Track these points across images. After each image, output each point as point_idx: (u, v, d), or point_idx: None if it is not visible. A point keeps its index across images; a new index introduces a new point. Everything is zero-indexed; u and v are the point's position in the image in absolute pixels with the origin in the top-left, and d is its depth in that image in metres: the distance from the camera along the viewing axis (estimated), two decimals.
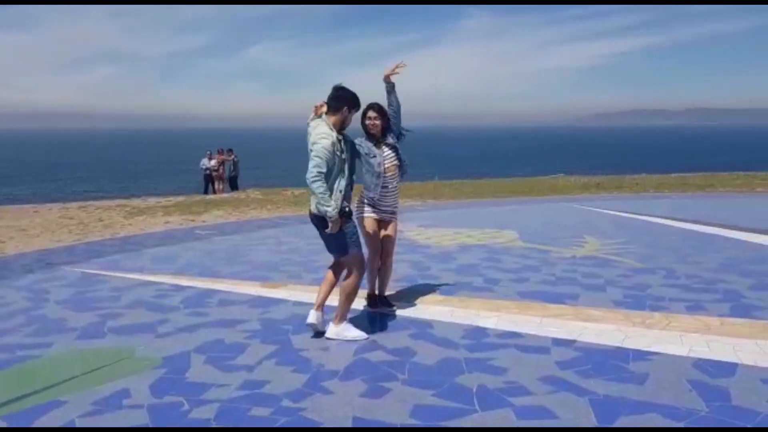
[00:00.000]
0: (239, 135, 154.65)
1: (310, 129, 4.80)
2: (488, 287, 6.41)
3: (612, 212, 11.81)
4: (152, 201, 15.65)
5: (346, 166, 4.76)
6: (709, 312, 5.46)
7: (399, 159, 5.27)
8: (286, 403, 3.83)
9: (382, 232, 5.36)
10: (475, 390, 3.95)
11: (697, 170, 24.93)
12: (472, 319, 5.36)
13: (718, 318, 5.29)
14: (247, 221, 11.48)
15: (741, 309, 5.54)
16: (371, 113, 5.18)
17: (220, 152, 23.39)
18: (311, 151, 4.64)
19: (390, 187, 5.27)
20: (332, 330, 4.94)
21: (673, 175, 20.53)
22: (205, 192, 22.37)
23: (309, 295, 5.92)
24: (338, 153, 4.66)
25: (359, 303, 5.52)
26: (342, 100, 4.77)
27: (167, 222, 11.65)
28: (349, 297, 4.91)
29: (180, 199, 16.34)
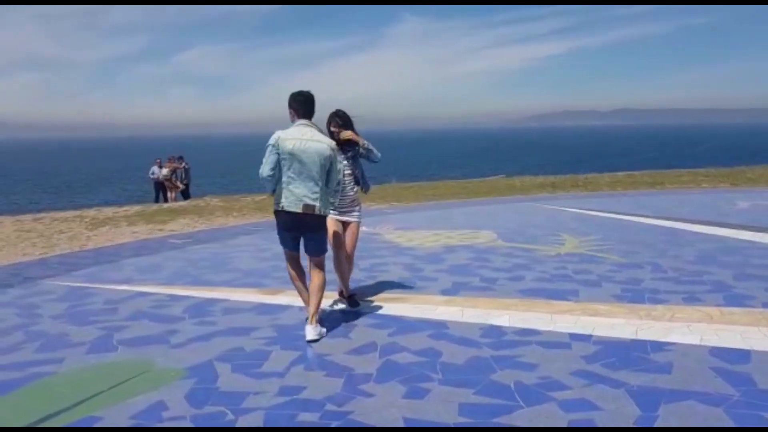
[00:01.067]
0: (175, 142, 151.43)
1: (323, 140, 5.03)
2: (487, 286, 6.51)
3: (577, 210, 12.14)
4: (109, 211, 15.21)
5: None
6: (706, 303, 5.70)
7: (355, 170, 5.69)
8: (330, 407, 3.82)
9: (346, 232, 5.72)
10: (513, 386, 4.02)
11: (633, 168, 25.89)
12: (484, 318, 5.44)
13: (716, 308, 5.53)
14: (218, 229, 11.30)
15: (734, 299, 5.80)
16: (334, 122, 5.64)
17: (171, 160, 22.92)
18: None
19: (347, 191, 5.63)
20: (313, 332, 5.00)
21: (620, 173, 21.22)
22: (156, 200, 21.88)
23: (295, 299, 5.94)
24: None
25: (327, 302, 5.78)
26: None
27: (134, 232, 11.35)
28: (323, 294, 5.14)
29: (138, 208, 15.93)
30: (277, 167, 4.95)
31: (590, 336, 4.91)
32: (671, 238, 8.90)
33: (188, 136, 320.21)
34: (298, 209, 4.93)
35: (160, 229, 11.56)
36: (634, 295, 6.04)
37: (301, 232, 5.11)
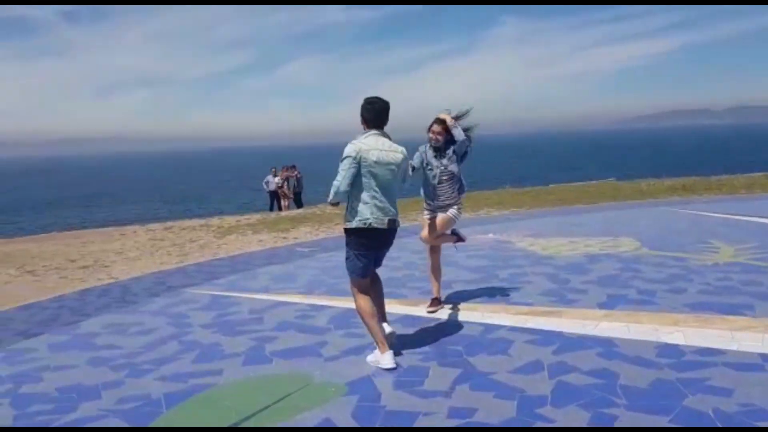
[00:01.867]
0: (280, 153, 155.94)
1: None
2: (647, 299, 6.04)
3: (721, 215, 11.27)
4: (231, 220, 15.57)
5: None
6: None
7: (455, 169, 5.69)
8: None
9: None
10: (713, 414, 3.58)
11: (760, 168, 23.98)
12: (655, 335, 5.00)
13: None
14: (342, 237, 11.20)
15: None
16: (435, 127, 5.60)
17: (285, 169, 23.38)
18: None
19: (445, 189, 5.72)
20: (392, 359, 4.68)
21: (756, 174, 19.76)
22: (271, 209, 22.34)
23: (459, 312, 5.83)
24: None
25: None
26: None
27: (260, 240, 11.49)
28: None
29: (258, 216, 16.25)
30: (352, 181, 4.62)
31: (679, 347, 4.40)
32: None
33: (288, 146, 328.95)
34: (385, 225, 4.62)
35: (285, 237, 11.65)
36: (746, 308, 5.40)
37: (383, 249, 4.79)
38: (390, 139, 4.78)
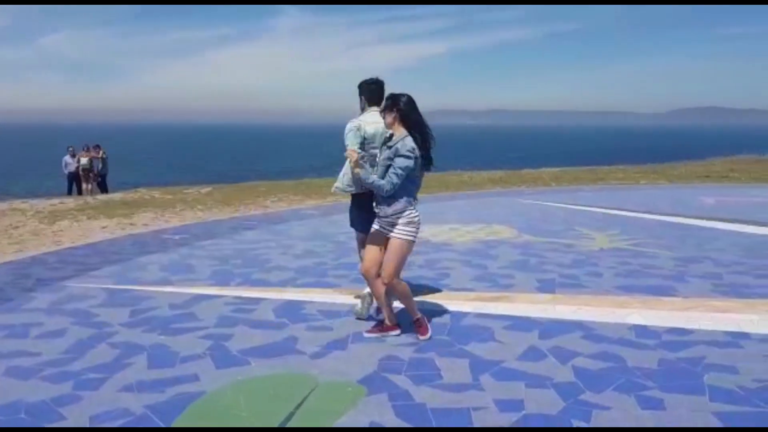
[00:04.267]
0: (41, 130, 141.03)
1: None
2: (576, 283, 6.33)
3: (562, 205, 12.18)
4: (44, 204, 13.67)
5: None
6: None
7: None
8: (578, 423, 3.41)
9: None
10: (741, 391, 3.80)
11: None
12: (617, 317, 5.25)
13: None
14: (209, 223, 10.37)
15: None
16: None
17: (87, 149, 21.13)
18: None
19: None
20: None
21: (555, 169, 21.78)
22: (69, 192, 20.09)
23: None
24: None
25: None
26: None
27: (104, 227, 10.21)
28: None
29: (72, 201, 14.48)
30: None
31: (747, 334, 4.76)
32: (687, 233, 9.05)
33: (57, 124, 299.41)
34: None
35: (132, 224, 10.49)
36: (731, 289, 5.99)
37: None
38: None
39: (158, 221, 10.77)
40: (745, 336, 4.71)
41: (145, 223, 10.58)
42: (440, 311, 5.35)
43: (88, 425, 3.39)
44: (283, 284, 6.29)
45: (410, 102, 4.44)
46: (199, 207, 12.62)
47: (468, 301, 5.66)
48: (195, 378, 4.02)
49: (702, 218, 10.28)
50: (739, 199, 13.13)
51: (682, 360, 4.28)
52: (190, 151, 79.58)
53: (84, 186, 20.67)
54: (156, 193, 15.73)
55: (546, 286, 6.15)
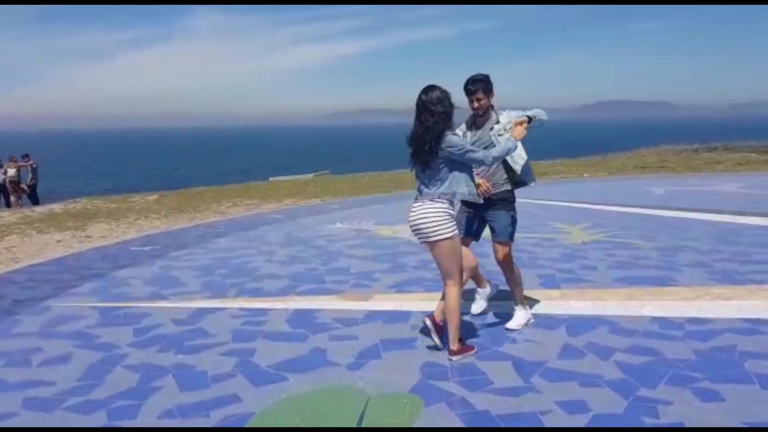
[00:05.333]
0: None
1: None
2: (576, 277, 6.38)
3: (522, 200, 12.23)
4: None
5: None
6: None
7: None
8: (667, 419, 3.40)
9: None
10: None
11: None
12: (632, 310, 5.30)
13: None
14: (175, 232, 9.94)
15: None
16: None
17: (13, 159, 20.04)
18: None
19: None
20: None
21: None
22: (8, 206, 19.02)
23: (397, 303, 5.53)
24: None
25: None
26: None
27: (59, 241, 9.65)
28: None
29: (18, 215, 13.65)
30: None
31: (763, 320, 4.89)
32: (656, 223, 9.31)
33: None
34: None
35: (88, 237, 9.96)
36: (724, 277, 6.17)
37: None
38: None
39: (115, 232, 10.27)
40: (762, 322, 4.84)
41: (102, 235, 10.06)
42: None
43: None
44: (283, 293, 6.08)
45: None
46: (153, 216, 12.11)
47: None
48: (236, 398, 3.80)
49: (662, 208, 10.59)
50: (684, 189, 13.64)
51: (716, 349, 4.35)
52: (109, 158, 76.81)
53: (12, 199, 19.59)
54: (99, 203, 15.05)
55: (549, 282, 6.16)
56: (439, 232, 4.17)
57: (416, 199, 4.30)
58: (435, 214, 4.17)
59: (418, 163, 4.25)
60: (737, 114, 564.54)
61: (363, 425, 3.42)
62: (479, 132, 4.72)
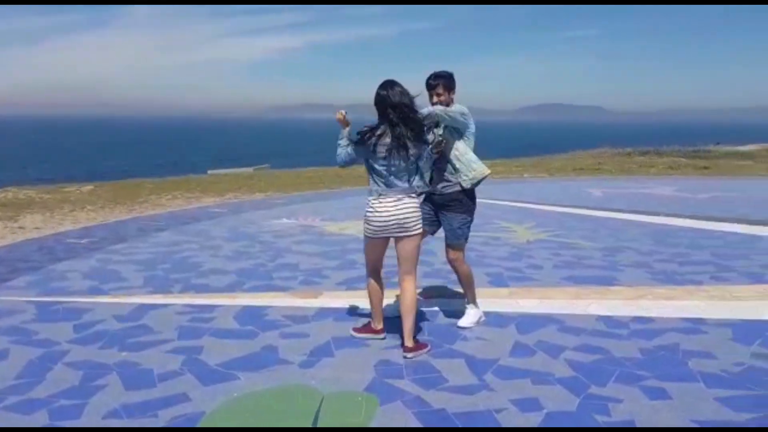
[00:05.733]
0: None
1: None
2: (524, 276, 6.45)
3: None
4: None
5: None
6: (732, 281, 6.19)
7: None
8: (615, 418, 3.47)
9: None
10: (726, 374, 4.01)
11: None
12: (577, 308, 5.40)
13: (759, 286, 6.02)
14: (114, 225, 9.59)
15: (746, 277, 6.37)
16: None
17: None
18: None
19: None
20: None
21: None
22: None
23: (348, 300, 5.51)
24: None
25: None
26: None
27: None
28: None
29: None
30: None
31: (703, 320, 5.06)
32: (597, 224, 9.55)
33: None
34: None
35: (21, 228, 9.53)
36: (666, 277, 6.36)
37: None
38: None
39: (50, 223, 9.87)
40: (701, 322, 5.00)
41: (36, 226, 9.64)
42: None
43: None
44: (230, 289, 5.95)
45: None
46: (89, 207, 11.69)
47: (431, 298, 5.60)
48: (185, 398, 3.68)
49: (600, 209, 10.86)
50: (621, 191, 14.02)
51: (660, 348, 4.47)
52: (39, 147, 74.00)
53: None
54: (31, 193, 14.40)
55: (497, 281, 6.23)
56: (418, 226, 4.27)
57: (380, 194, 4.24)
58: (417, 207, 4.28)
59: (396, 158, 4.19)
60: (665, 120, 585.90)
61: (318, 425, 3.35)
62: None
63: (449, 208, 4.71)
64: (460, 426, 3.37)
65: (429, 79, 4.67)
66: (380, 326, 4.60)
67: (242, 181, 16.79)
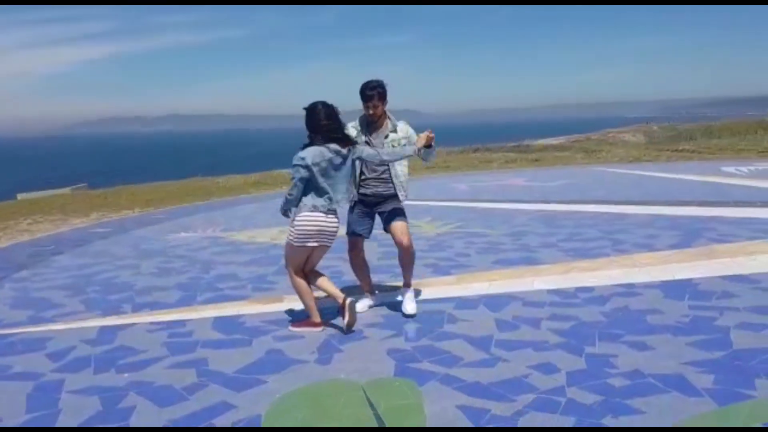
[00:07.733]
0: None
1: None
2: (459, 263, 6.88)
3: None
4: None
5: None
6: (631, 252, 7.08)
7: None
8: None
9: None
10: (673, 336, 4.70)
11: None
12: (527, 286, 5.92)
13: (654, 253, 6.94)
14: (14, 246, 8.79)
15: (640, 247, 7.30)
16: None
17: None
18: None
19: None
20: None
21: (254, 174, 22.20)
22: None
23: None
24: None
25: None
26: None
27: None
28: None
29: None
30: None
31: (632, 284, 5.80)
32: (485, 213, 10.28)
33: None
34: None
35: None
36: (577, 253, 7.12)
37: None
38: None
39: None
40: (633, 286, 5.72)
41: None
42: (378, 303, 5.46)
43: None
44: (185, 303, 5.82)
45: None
46: None
47: (390, 291, 5.85)
48: (229, 405, 3.69)
49: (476, 201, 11.68)
50: (483, 184, 15.00)
51: (616, 310, 5.07)
52: None
53: None
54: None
55: (439, 271, 6.61)
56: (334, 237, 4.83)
57: (316, 207, 4.63)
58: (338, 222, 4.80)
59: (329, 171, 4.62)
60: (474, 120, 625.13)
61: (378, 410, 3.52)
62: (373, 135, 5.02)
63: (390, 200, 5.12)
64: (501, 393, 3.67)
65: (365, 89, 4.91)
66: (318, 319, 4.83)
67: (98, 199, 15.75)
